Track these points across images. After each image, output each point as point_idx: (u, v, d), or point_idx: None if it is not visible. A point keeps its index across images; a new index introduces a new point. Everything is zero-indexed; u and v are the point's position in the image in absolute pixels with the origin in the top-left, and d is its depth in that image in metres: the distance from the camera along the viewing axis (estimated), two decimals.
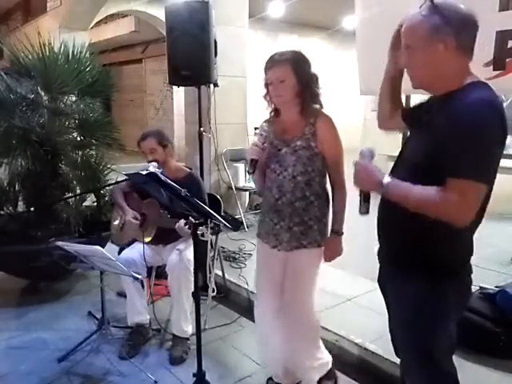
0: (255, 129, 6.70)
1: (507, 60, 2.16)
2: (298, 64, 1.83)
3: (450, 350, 1.42)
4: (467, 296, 1.44)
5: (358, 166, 1.38)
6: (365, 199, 1.43)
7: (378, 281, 1.60)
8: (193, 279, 2.50)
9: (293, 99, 1.85)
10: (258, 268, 2.10)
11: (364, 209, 1.43)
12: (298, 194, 1.87)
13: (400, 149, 1.53)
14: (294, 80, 1.82)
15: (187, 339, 2.58)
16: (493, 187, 1.28)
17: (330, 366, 2.13)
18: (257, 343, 2.17)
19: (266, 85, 1.88)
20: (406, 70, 1.39)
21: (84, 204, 3.53)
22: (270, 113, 1.99)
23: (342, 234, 1.95)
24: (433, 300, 1.33)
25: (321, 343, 2.11)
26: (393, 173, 1.51)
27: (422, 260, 1.33)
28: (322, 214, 1.91)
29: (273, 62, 1.84)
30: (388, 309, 1.58)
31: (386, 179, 1.30)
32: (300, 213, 1.87)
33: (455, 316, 1.39)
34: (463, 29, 1.26)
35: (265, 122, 2.01)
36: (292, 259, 1.94)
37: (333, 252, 1.94)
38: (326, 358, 2.12)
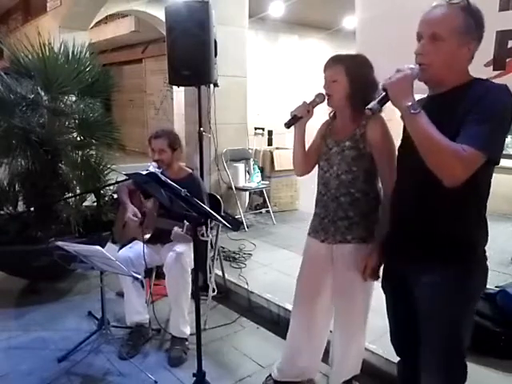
0: (255, 129, 6.73)
1: (507, 60, 2.16)
2: (352, 67, 1.85)
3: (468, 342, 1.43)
4: (486, 281, 1.44)
5: (406, 70, 1.30)
6: (382, 101, 1.34)
7: (386, 275, 1.59)
8: (190, 280, 2.53)
9: (343, 100, 1.87)
10: (302, 265, 2.11)
11: (376, 107, 1.35)
12: (343, 190, 1.90)
13: (400, 151, 1.52)
14: (346, 81, 1.83)
15: (186, 339, 2.58)
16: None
17: (358, 371, 2.14)
18: (288, 341, 2.18)
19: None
20: (418, 58, 1.35)
21: (84, 204, 3.52)
22: (329, 114, 2.02)
23: None
24: (466, 288, 1.35)
25: (363, 345, 2.13)
26: (403, 176, 1.49)
27: (452, 246, 1.34)
28: (369, 211, 1.91)
29: (329, 62, 1.89)
30: (394, 305, 1.57)
31: (418, 105, 1.25)
32: (345, 208, 1.90)
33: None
34: (481, 38, 1.33)
35: (325, 122, 2.05)
36: (337, 253, 1.95)
37: None
38: (361, 361, 2.13)
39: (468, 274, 1.35)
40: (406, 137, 1.39)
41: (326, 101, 1.90)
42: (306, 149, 2.02)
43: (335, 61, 1.88)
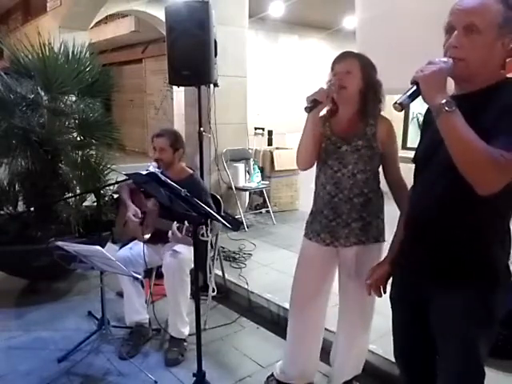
0: (255, 129, 6.74)
1: (507, 60, 2.16)
2: (365, 64, 1.86)
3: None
4: (506, 299, 1.35)
5: (440, 63, 1.17)
6: (413, 95, 1.19)
7: (397, 288, 1.49)
8: (188, 280, 2.53)
9: (355, 95, 1.85)
10: (300, 267, 2.08)
11: (406, 101, 1.19)
12: (356, 190, 1.88)
13: (420, 156, 1.39)
14: (360, 75, 1.83)
15: (184, 340, 2.58)
16: None
17: (360, 371, 2.14)
18: (288, 342, 2.18)
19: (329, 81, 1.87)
20: (450, 51, 1.23)
21: (84, 204, 3.52)
22: (327, 111, 1.99)
23: None
24: (486, 307, 1.26)
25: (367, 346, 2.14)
26: (424, 183, 1.37)
27: (477, 267, 1.25)
28: (378, 209, 1.92)
29: (341, 56, 1.88)
30: (405, 321, 1.48)
31: (454, 102, 1.12)
32: (358, 209, 1.88)
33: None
34: None
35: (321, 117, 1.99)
36: (350, 255, 1.93)
37: None
38: (363, 361, 2.13)
39: (491, 293, 1.26)
40: (430, 140, 1.29)
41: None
42: None
43: (349, 55, 1.88)
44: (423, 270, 1.35)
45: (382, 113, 1.92)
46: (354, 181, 1.87)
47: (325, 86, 1.82)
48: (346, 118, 1.92)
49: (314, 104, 1.79)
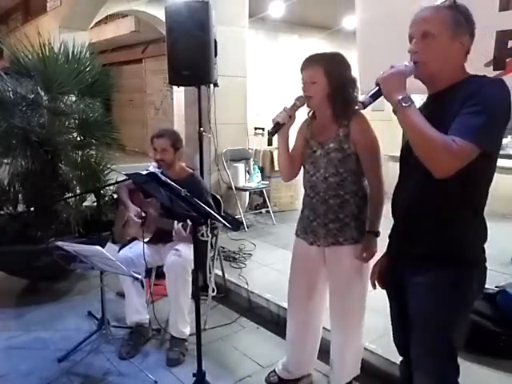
0: (255, 129, 6.73)
1: (507, 60, 2.16)
2: (331, 67, 1.83)
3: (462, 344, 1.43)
4: (484, 283, 1.44)
5: (400, 66, 1.32)
6: (374, 95, 1.33)
7: (387, 274, 1.59)
8: (190, 280, 2.53)
9: (323, 101, 1.86)
10: (292, 266, 2.12)
11: (367, 101, 1.33)
12: (331, 192, 1.89)
13: (402, 152, 1.50)
14: (325, 83, 1.83)
15: (185, 340, 2.58)
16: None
17: (358, 371, 2.14)
18: (287, 340, 2.21)
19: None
20: (412, 56, 1.37)
21: (84, 204, 3.53)
22: (308, 113, 2.01)
23: (379, 234, 1.89)
24: (461, 290, 1.35)
25: (361, 345, 2.15)
26: (404, 177, 1.49)
27: (447, 246, 1.35)
28: (358, 211, 1.91)
29: (306, 63, 1.87)
30: (395, 304, 1.57)
31: (410, 99, 1.27)
32: (335, 210, 1.89)
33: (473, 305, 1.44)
34: (473, 34, 1.35)
35: (304, 121, 2.04)
36: (330, 255, 1.95)
37: (368, 253, 1.88)
38: (360, 361, 2.14)
39: (463, 275, 1.35)
40: (405, 138, 1.39)
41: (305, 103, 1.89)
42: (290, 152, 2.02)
43: (313, 61, 1.86)
44: (401, 251, 1.48)
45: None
46: (327, 184, 1.89)
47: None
48: (322, 121, 1.94)
49: (276, 127, 1.85)
